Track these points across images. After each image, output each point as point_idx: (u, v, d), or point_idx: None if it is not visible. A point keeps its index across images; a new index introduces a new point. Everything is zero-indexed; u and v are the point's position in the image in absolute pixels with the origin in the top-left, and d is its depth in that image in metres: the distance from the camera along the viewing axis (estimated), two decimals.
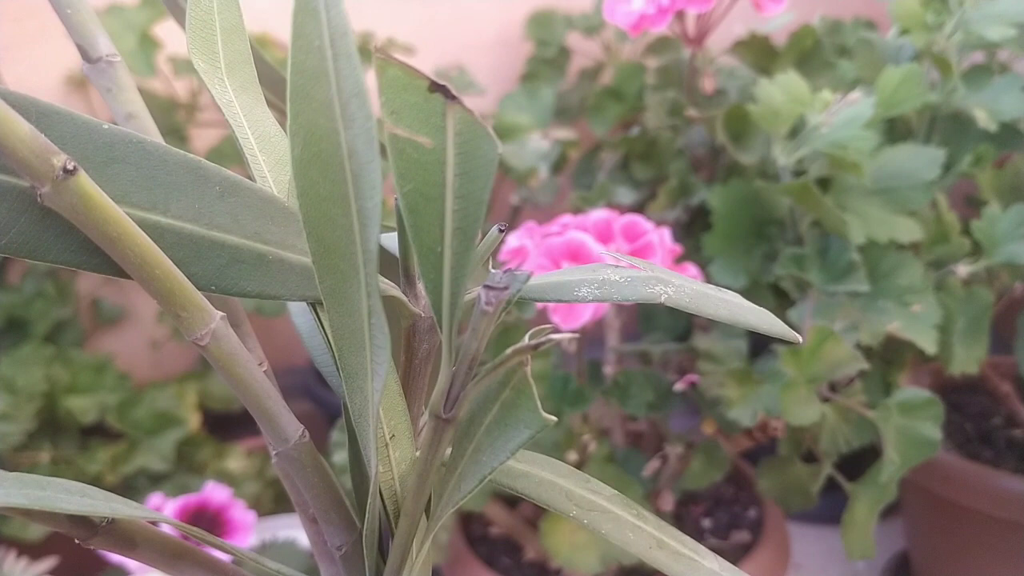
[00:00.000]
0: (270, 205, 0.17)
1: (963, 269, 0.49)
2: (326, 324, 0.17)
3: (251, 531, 0.45)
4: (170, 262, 0.15)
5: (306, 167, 0.14)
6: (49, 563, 0.58)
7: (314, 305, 0.18)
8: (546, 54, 0.79)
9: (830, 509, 0.76)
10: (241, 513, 0.45)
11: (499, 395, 0.16)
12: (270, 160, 0.18)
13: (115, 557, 0.44)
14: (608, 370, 0.56)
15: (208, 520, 0.45)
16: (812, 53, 0.54)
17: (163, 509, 0.45)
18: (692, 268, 0.47)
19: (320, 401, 0.76)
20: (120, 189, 0.15)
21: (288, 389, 0.45)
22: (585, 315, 0.43)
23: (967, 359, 0.49)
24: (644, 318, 0.61)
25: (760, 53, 0.53)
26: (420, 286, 0.19)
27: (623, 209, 0.51)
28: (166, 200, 0.16)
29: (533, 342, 0.15)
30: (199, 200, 0.16)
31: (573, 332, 0.46)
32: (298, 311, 0.22)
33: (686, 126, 0.54)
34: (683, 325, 0.60)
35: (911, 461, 0.44)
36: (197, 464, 0.71)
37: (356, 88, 0.14)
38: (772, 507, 0.59)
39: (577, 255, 0.43)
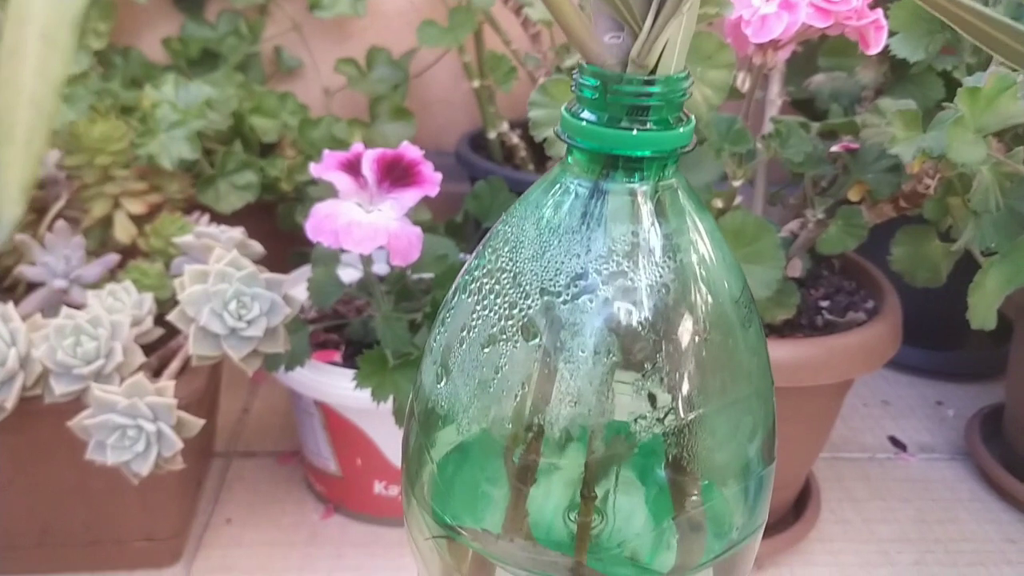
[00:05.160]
0: None
1: None
2: None
3: (438, 185, 0.51)
4: None
5: None
6: (240, 230, 0.66)
7: None
8: None
9: (924, 360, 0.80)
10: (429, 170, 0.51)
11: None
12: None
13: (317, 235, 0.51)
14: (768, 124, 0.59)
15: (402, 170, 0.52)
16: None
17: (363, 156, 0.52)
18: (881, 18, 0.49)
19: (471, 165, 0.82)
20: None
21: (441, 168, 0.51)
22: (777, 28, 0.46)
23: None
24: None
25: None
26: None
27: None
28: None
29: None
30: None
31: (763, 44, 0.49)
32: None
33: None
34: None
35: None
36: None
37: None
38: (890, 299, 0.62)
39: None
